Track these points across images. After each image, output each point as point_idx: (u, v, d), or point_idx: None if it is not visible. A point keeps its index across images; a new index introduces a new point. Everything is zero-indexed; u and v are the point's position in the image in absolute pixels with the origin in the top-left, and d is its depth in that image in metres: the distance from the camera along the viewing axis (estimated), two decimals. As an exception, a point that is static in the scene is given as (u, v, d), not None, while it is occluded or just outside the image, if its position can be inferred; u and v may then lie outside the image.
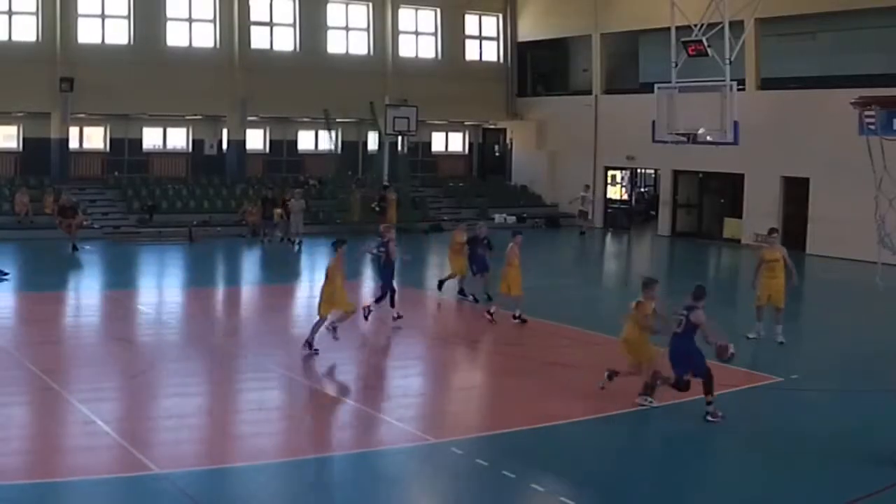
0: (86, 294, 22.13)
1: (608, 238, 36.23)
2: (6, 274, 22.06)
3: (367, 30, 37.98)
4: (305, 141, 38.56)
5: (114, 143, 34.90)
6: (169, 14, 34.00)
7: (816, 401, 13.66)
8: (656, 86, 23.89)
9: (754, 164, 30.80)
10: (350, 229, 32.50)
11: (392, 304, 17.83)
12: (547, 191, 39.63)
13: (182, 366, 14.88)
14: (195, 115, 35.38)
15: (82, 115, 33.28)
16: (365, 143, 39.12)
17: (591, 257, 33.06)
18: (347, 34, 37.70)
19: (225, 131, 35.83)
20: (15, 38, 31.80)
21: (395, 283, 17.94)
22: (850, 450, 11.37)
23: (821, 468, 10.86)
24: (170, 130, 36.21)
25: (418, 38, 39.40)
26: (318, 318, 15.48)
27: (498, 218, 36.60)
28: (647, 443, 11.59)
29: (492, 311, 18.18)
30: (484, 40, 41.11)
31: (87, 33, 32.89)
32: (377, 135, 37.08)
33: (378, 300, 18.06)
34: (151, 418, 11.99)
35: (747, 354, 16.26)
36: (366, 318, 17.57)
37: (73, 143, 33.81)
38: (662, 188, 36.40)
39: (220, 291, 23.59)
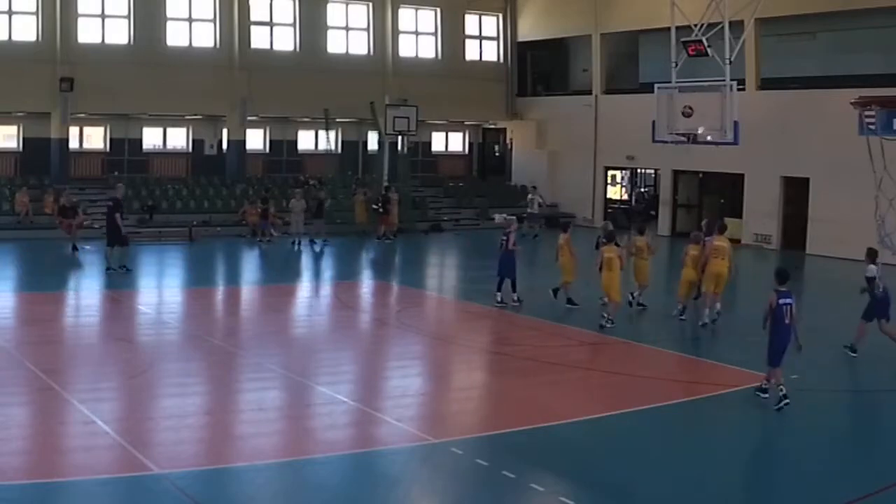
0: (86, 294, 22.12)
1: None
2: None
3: (367, 30, 37.99)
4: (305, 141, 38.57)
5: (114, 143, 34.91)
6: (169, 14, 34.00)
7: (816, 401, 13.66)
8: (656, 86, 23.88)
9: (754, 164, 30.79)
10: (353, 230, 32.59)
11: (498, 289, 19.80)
12: (547, 191, 39.60)
13: (182, 366, 14.88)
14: (195, 115, 35.39)
15: (82, 115, 33.29)
16: (365, 143, 39.14)
17: (591, 257, 33.01)
18: (347, 34, 37.71)
19: (225, 131, 35.84)
20: (15, 38, 31.80)
21: (515, 273, 19.89)
22: (850, 450, 11.38)
23: (821, 468, 10.87)
24: (170, 130, 36.24)
25: (418, 37, 39.41)
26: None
27: (498, 218, 36.58)
28: (647, 442, 11.58)
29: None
30: (484, 40, 41.13)
31: (87, 33, 32.89)
32: (377, 135, 37.07)
33: (500, 287, 19.84)
34: (151, 418, 11.98)
35: (748, 354, 16.30)
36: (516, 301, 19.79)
37: (73, 143, 33.82)
38: (662, 188, 36.39)
39: (220, 291, 23.60)
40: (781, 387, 12.62)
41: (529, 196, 35.55)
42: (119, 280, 23.00)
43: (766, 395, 12.93)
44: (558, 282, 19.99)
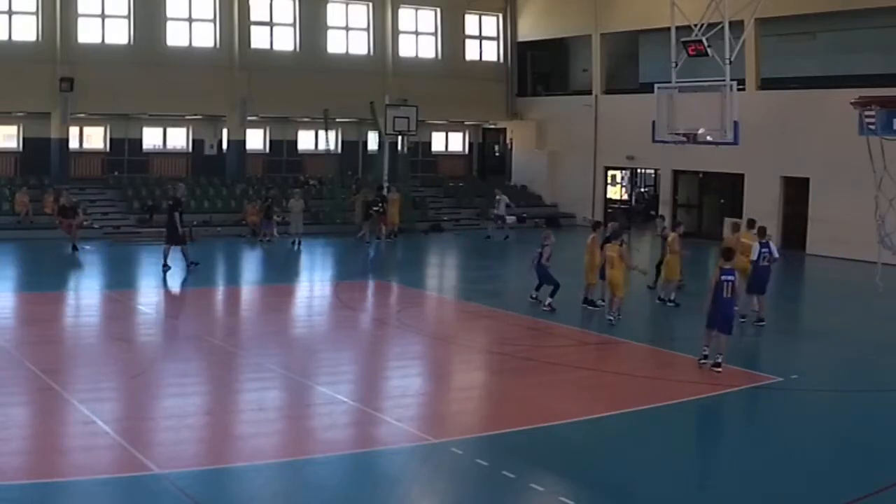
0: (86, 294, 22.12)
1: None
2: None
3: (367, 30, 38.00)
4: (305, 141, 38.59)
5: (114, 143, 34.93)
6: (169, 14, 34.02)
7: (816, 401, 13.66)
8: (656, 86, 23.86)
9: (754, 164, 30.80)
10: (353, 230, 32.56)
11: (536, 288, 19.97)
12: (547, 191, 39.66)
13: (182, 366, 14.88)
14: (195, 115, 35.41)
15: (82, 115, 33.30)
16: (365, 143, 39.15)
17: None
18: (347, 34, 37.73)
19: (225, 131, 35.86)
20: (15, 38, 31.83)
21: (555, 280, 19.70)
22: (850, 450, 11.38)
23: (821, 468, 10.86)
24: (170, 130, 36.26)
25: (418, 38, 39.42)
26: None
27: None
28: (647, 442, 11.58)
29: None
30: (484, 40, 41.14)
31: (87, 33, 32.92)
32: (377, 135, 37.07)
33: (553, 293, 19.57)
34: (151, 418, 11.97)
35: (748, 354, 16.31)
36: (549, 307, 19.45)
37: (73, 143, 33.84)
38: (662, 188, 36.40)
39: (219, 291, 23.60)
40: (706, 348, 14.56)
41: (497, 197, 34.28)
42: (119, 280, 23.04)
43: (720, 370, 14.30)
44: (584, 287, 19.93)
